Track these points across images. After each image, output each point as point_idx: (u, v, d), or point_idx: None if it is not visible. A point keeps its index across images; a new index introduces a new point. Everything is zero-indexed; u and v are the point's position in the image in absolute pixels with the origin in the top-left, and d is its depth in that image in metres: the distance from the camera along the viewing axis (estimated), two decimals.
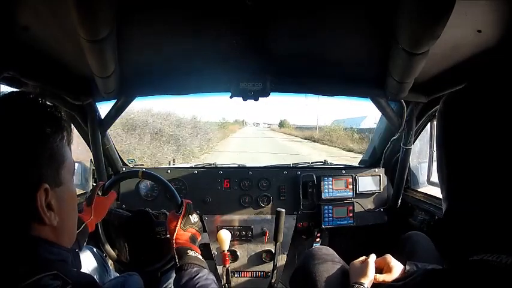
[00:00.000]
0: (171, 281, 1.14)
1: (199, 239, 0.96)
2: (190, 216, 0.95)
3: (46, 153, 0.45)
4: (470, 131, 0.45)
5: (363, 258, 0.97)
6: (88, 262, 1.06)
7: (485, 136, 0.43)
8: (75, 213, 0.55)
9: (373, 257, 0.95)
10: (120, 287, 0.98)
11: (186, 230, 0.92)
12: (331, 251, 1.06)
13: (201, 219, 1.36)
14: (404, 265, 0.91)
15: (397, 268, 0.91)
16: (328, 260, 1.00)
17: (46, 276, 0.41)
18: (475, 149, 0.44)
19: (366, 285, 0.87)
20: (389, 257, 0.94)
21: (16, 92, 0.50)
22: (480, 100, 0.45)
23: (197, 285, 0.76)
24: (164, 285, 1.15)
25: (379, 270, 0.93)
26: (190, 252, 0.86)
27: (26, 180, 0.44)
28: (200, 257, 0.87)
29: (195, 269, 0.81)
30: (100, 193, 1.06)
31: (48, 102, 0.48)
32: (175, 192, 1.05)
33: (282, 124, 54.41)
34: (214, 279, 0.81)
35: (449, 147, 0.48)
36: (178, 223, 0.92)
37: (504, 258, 0.39)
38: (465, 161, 0.45)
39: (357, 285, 0.87)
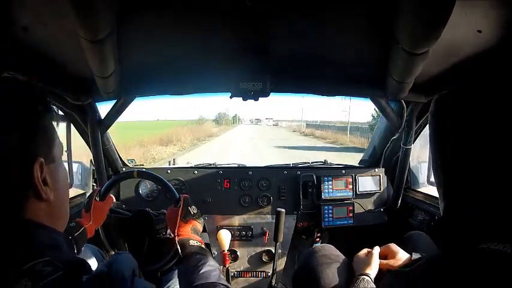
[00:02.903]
0: (173, 281, 1.14)
1: (200, 229, 0.96)
2: (189, 208, 0.95)
3: (40, 129, 0.47)
4: (463, 132, 0.45)
5: (366, 250, 0.96)
6: (88, 261, 1.06)
7: (478, 138, 0.43)
8: (67, 194, 0.56)
9: (377, 249, 0.94)
10: (109, 265, 0.98)
11: (186, 221, 0.93)
12: (333, 248, 1.05)
13: None
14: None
15: (401, 254, 0.91)
16: (331, 257, 0.99)
17: (39, 263, 0.41)
18: (467, 151, 0.44)
19: (371, 276, 0.85)
20: (393, 245, 0.94)
21: (3, 76, 0.50)
22: (471, 101, 0.45)
23: (200, 272, 0.76)
24: (165, 286, 1.15)
25: (383, 257, 0.93)
26: (192, 242, 0.86)
27: (22, 153, 0.44)
28: (203, 245, 0.87)
29: (197, 256, 0.82)
30: (98, 198, 1.06)
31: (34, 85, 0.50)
32: (172, 187, 1.05)
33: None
34: (218, 265, 0.81)
35: (441, 150, 0.48)
36: (179, 216, 0.92)
37: (509, 247, 0.39)
38: (458, 164, 0.45)
39: (362, 277, 0.85)
